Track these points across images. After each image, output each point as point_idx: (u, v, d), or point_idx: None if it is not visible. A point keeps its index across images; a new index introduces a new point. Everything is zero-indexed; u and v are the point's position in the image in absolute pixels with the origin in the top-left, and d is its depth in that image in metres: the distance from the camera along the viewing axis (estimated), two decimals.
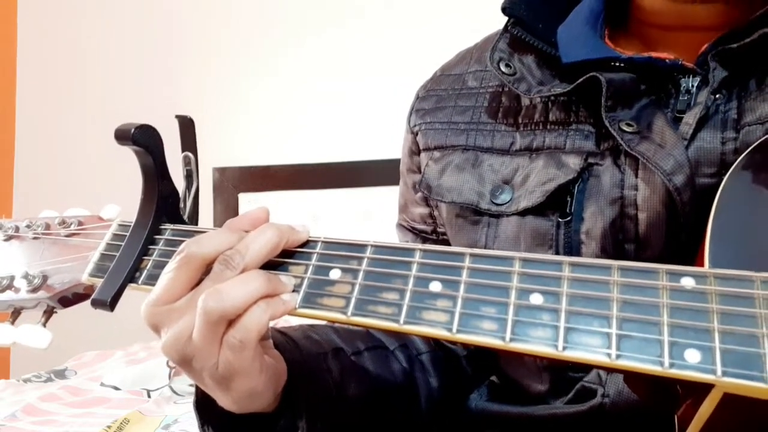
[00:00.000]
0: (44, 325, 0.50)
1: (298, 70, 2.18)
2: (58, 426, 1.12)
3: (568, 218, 0.52)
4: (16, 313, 0.51)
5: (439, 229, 0.66)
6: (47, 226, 0.54)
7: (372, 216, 1.97)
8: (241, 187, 2.15)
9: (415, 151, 0.66)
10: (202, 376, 0.43)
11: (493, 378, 0.65)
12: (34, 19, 2.40)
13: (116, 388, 1.39)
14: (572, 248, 0.52)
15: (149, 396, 1.34)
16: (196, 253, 0.42)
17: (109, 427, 1.08)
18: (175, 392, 1.35)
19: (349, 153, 2.06)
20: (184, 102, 2.17)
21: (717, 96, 0.48)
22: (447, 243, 0.63)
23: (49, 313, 0.51)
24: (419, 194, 0.66)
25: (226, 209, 2.18)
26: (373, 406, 0.58)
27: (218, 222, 2.18)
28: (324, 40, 2.16)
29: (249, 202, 2.16)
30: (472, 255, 0.39)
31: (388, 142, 1.86)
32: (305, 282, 0.42)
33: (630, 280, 0.36)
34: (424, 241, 0.67)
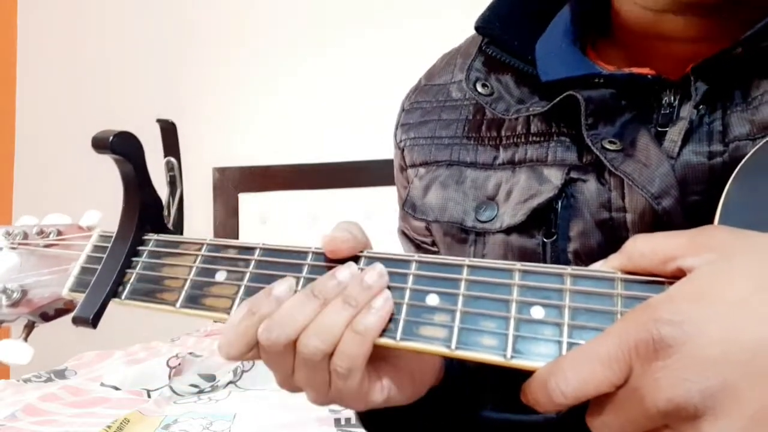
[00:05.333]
0: (25, 339, 0.48)
1: (298, 70, 2.18)
2: (58, 426, 1.12)
3: (553, 237, 0.51)
4: None
5: None
6: (25, 236, 0.51)
7: (372, 216, 1.97)
8: (241, 187, 2.16)
9: (403, 166, 0.65)
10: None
11: (497, 386, 0.64)
12: (34, 19, 2.40)
13: (116, 388, 1.38)
14: None
15: (149, 396, 1.34)
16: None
17: (109, 427, 1.08)
18: (175, 392, 1.34)
19: (349, 153, 2.06)
20: (184, 103, 2.17)
21: (700, 107, 0.47)
22: None
23: (29, 327, 0.49)
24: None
25: (226, 209, 2.18)
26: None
27: (218, 221, 2.19)
28: (324, 40, 2.16)
29: (249, 202, 2.16)
30: (469, 266, 0.38)
31: (388, 142, 1.85)
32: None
33: (636, 293, 0.34)
34: (426, 251, 0.66)
